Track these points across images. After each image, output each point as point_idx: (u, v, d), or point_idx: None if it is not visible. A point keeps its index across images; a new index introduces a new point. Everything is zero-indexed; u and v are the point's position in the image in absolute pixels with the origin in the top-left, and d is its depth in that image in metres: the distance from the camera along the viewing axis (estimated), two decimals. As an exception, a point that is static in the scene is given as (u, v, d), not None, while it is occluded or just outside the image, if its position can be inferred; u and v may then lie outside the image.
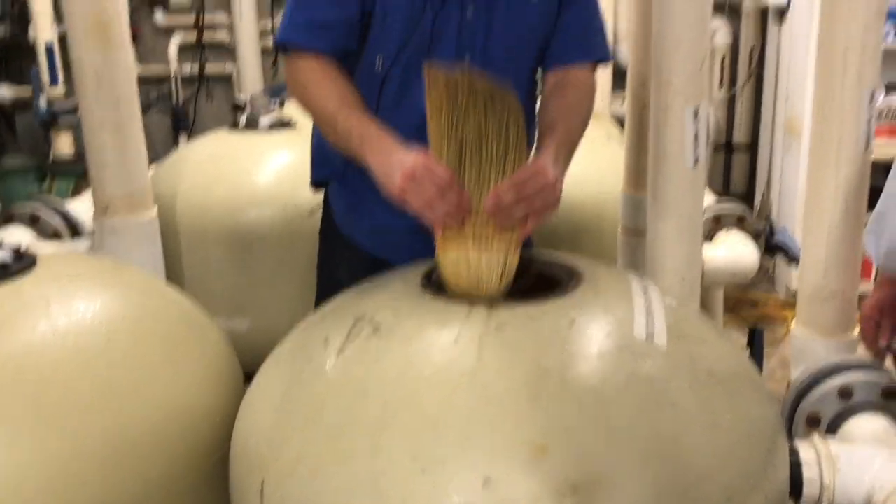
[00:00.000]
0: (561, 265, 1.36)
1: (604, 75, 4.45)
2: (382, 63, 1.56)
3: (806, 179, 1.68)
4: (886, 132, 3.57)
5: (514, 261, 1.30)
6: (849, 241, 1.60)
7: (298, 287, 2.45)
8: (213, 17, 5.41)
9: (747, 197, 5.00)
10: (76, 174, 4.66)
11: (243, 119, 2.83)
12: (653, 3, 1.69)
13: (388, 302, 1.25)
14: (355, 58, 1.57)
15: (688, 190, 1.68)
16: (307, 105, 1.55)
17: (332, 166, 1.69)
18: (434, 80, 1.27)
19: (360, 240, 1.72)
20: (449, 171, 1.27)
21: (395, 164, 1.31)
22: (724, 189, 5.24)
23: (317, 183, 1.78)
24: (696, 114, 1.65)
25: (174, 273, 2.52)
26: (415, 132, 1.49)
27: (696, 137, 1.66)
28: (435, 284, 1.30)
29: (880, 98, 3.57)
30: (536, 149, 1.44)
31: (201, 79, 5.54)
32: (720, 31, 4.94)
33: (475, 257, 1.28)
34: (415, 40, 1.53)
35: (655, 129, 1.71)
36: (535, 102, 1.71)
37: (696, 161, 1.67)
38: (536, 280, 1.34)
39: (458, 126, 1.27)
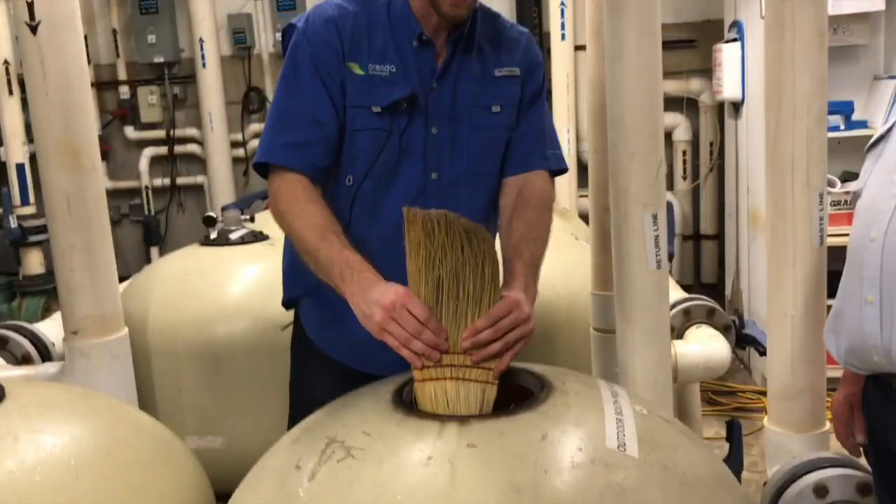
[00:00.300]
0: (531, 375, 1.37)
1: (569, 172, 4.57)
2: (353, 180, 1.60)
3: (766, 278, 1.72)
4: (846, 219, 3.67)
5: (492, 394, 1.32)
6: (812, 337, 1.63)
7: (271, 402, 2.43)
8: (184, 130, 5.52)
9: (718, 286, 5.08)
10: (46, 291, 4.64)
11: (214, 233, 2.86)
12: (607, 117, 1.76)
13: (360, 422, 1.24)
14: (329, 173, 1.61)
15: (652, 293, 1.72)
16: (288, 231, 1.57)
17: (306, 283, 1.71)
18: (412, 220, 1.30)
19: (335, 353, 1.72)
20: (427, 309, 1.30)
21: (375, 299, 1.34)
22: (694, 279, 5.32)
23: (288, 302, 1.79)
24: (654, 219, 1.70)
25: (145, 392, 2.49)
26: (386, 244, 1.52)
27: (656, 242, 1.70)
28: (407, 401, 1.31)
29: (837, 186, 3.69)
30: (505, 275, 1.47)
31: (173, 190, 5.60)
32: (680, 126, 5.12)
33: (453, 392, 1.30)
34: (383, 158, 1.58)
35: (617, 234, 1.76)
36: (496, 210, 1.75)
37: (659, 264, 1.71)
38: (508, 390, 1.35)
39: (435, 264, 1.30)
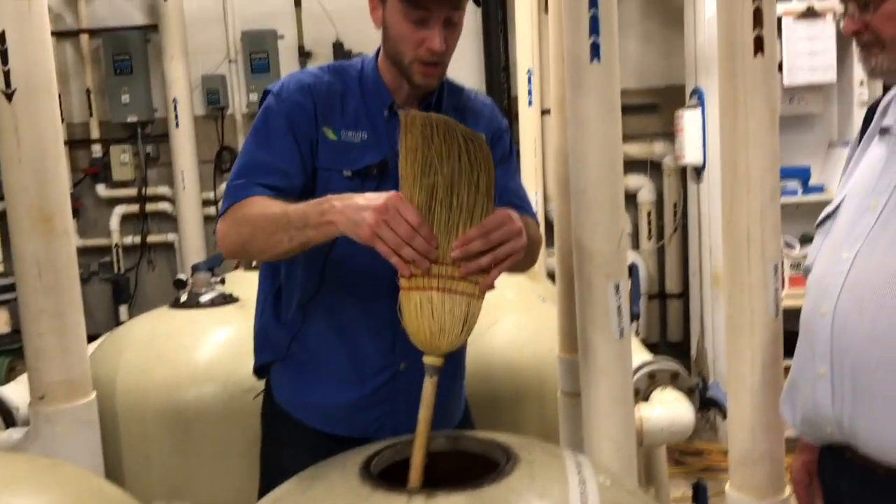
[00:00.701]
0: (497, 445, 1.39)
1: (538, 234, 4.64)
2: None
3: (725, 346, 1.77)
4: (804, 281, 3.76)
5: (476, 309, 1.30)
6: (770, 404, 1.67)
7: (240, 467, 2.41)
8: (156, 189, 5.54)
9: (684, 344, 5.15)
10: (12, 351, 4.58)
11: (184, 296, 2.86)
12: (570, 188, 1.82)
13: (328, 496, 1.26)
14: None
15: (615, 361, 1.76)
16: (248, 231, 1.51)
17: (276, 348, 1.73)
18: (410, 123, 1.28)
19: (306, 418, 1.73)
20: (419, 214, 1.28)
21: (364, 203, 1.31)
22: (661, 337, 5.38)
23: (260, 369, 1.81)
24: (617, 288, 1.75)
25: (112, 457, 2.47)
26: (362, 301, 1.55)
27: (619, 311, 1.75)
28: (375, 473, 1.32)
29: (797, 248, 3.79)
30: None
31: (143, 248, 5.59)
32: (645, 187, 5.24)
33: (438, 303, 1.28)
34: None
35: (580, 302, 1.80)
36: None
37: (622, 333, 1.76)
38: (474, 461, 1.37)
39: (431, 170, 1.28)
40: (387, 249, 1.29)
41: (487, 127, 1.75)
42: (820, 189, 3.80)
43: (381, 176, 1.62)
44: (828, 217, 1.50)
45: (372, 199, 1.32)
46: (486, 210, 1.32)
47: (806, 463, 1.59)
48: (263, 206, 1.51)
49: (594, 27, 1.68)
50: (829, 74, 3.56)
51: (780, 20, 3.60)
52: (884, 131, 1.45)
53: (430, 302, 1.29)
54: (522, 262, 1.49)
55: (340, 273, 1.65)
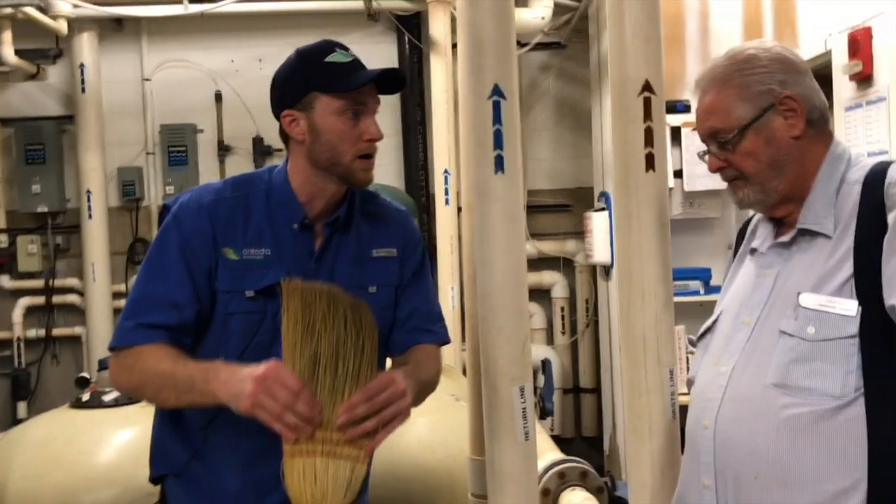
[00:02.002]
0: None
1: (453, 328, 4.69)
2: (226, 361, 1.63)
3: (625, 448, 1.82)
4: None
5: (361, 472, 1.31)
6: (669, 506, 1.72)
7: (138, 578, 2.31)
8: (65, 280, 5.39)
9: (598, 439, 5.20)
10: None
11: (86, 395, 2.78)
12: (476, 293, 1.87)
13: None
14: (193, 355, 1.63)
15: (521, 465, 1.78)
16: (138, 382, 1.54)
17: (174, 462, 1.68)
18: (292, 292, 1.32)
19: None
20: (300, 381, 1.30)
21: (246, 375, 1.33)
22: (576, 432, 5.43)
23: (156, 479, 1.76)
24: (522, 392, 1.78)
25: (-2, 569, 2.33)
26: (258, 426, 1.53)
27: (524, 414, 1.78)
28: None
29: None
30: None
31: (48, 342, 5.39)
32: (558, 284, 5.38)
33: (322, 469, 1.29)
34: (257, 339, 1.61)
35: (487, 405, 1.83)
36: None
37: (527, 436, 1.79)
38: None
39: (315, 337, 1.31)
40: (268, 417, 1.32)
41: (399, 238, 1.77)
42: (720, 289, 3.97)
43: None
44: (707, 330, 1.58)
45: (254, 368, 1.35)
46: (370, 374, 1.38)
47: None
48: (155, 359, 1.52)
49: (498, 141, 1.77)
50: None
51: (679, 130, 3.83)
52: (753, 251, 1.56)
53: (314, 467, 1.32)
54: (417, 404, 1.55)
55: None
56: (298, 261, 1.64)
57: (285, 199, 1.66)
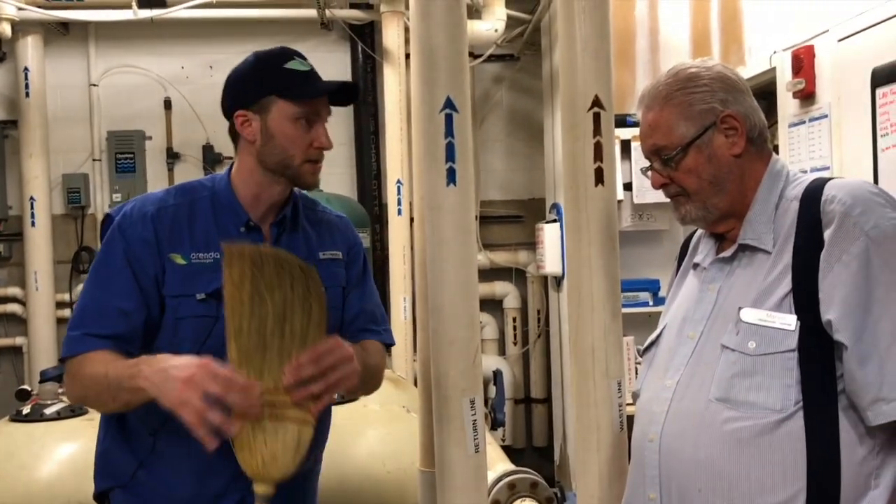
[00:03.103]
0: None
1: (404, 338, 4.68)
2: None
3: (574, 460, 1.83)
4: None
5: (308, 435, 1.32)
6: (616, 517, 1.73)
7: None
8: (6, 289, 5.24)
9: (549, 449, 5.23)
10: None
11: (27, 408, 2.70)
12: (428, 304, 1.87)
13: None
14: None
15: (471, 476, 1.78)
16: (80, 389, 1.56)
17: (119, 474, 1.65)
18: (235, 256, 1.31)
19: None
20: (229, 371, 1.30)
21: (172, 374, 1.33)
22: (527, 442, 5.45)
23: (100, 495, 1.72)
24: (472, 404, 1.79)
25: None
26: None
27: (474, 426, 1.78)
28: None
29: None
30: None
31: (-13, 352, 5.25)
32: (510, 294, 5.41)
33: (271, 431, 1.29)
34: (209, 344, 1.59)
35: (438, 417, 1.83)
36: None
37: (477, 448, 1.79)
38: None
39: (262, 300, 1.30)
40: (195, 420, 1.31)
41: (343, 242, 1.81)
42: (669, 300, 4.05)
43: None
44: (652, 344, 1.60)
45: (182, 366, 1.35)
46: (318, 337, 1.38)
47: None
48: (93, 364, 1.52)
49: (450, 154, 1.77)
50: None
51: (629, 143, 3.88)
52: (696, 266, 1.58)
53: (263, 430, 1.31)
54: (361, 388, 1.55)
55: None
56: None
57: (229, 203, 1.68)
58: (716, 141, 1.47)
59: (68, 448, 2.53)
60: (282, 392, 1.33)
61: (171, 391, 1.33)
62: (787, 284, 1.38)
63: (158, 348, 1.60)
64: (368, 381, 1.69)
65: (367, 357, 1.70)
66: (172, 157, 5.31)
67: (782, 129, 3.05)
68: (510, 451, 4.15)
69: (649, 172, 1.55)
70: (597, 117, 1.74)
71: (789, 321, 1.35)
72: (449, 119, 1.74)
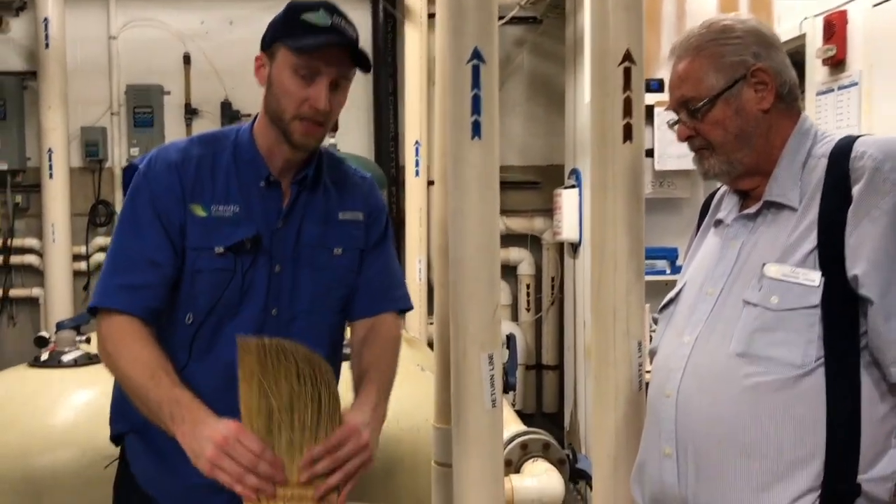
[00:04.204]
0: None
1: (418, 300, 4.69)
2: (193, 318, 1.60)
3: (592, 416, 1.83)
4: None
5: None
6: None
7: (94, 539, 2.28)
8: (24, 240, 5.27)
9: (559, 415, 5.25)
10: None
11: (45, 355, 2.72)
12: (449, 258, 1.86)
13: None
14: (165, 313, 1.60)
15: (487, 431, 1.78)
16: (116, 372, 1.55)
17: (133, 419, 1.65)
18: (245, 349, 1.31)
19: (161, 497, 1.65)
20: (260, 442, 1.29)
21: (206, 435, 1.32)
22: (537, 408, 5.47)
23: (116, 437, 1.73)
24: (490, 359, 1.78)
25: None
26: (223, 382, 1.51)
27: (492, 381, 1.78)
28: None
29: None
30: (355, 399, 1.50)
31: (4, 303, 5.28)
32: (525, 261, 5.39)
33: None
34: (226, 297, 1.59)
35: (455, 371, 1.82)
36: (339, 345, 1.80)
37: (494, 403, 1.79)
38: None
39: (268, 393, 1.30)
40: (229, 480, 1.30)
41: (365, 204, 1.76)
42: (686, 269, 4.02)
43: (255, 250, 1.60)
44: (670, 302, 1.59)
45: (214, 429, 1.33)
46: (331, 426, 1.35)
47: None
48: (132, 361, 1.49)
49: (476, 107, 1.75)
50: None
51: (652, 109, 3.83)
52: (718, 223, 1.56)
53: None
54: (385, 400, 1.57)
55: (207, 351, 1.61)
56: (267, 219, 1.62)
57: (250, 156, 1.64)
58: (745, 94, 1.45)
59: (85, 394, 2.55)
60: (295, 486, 1.32)
61: (202, 455, 1.32)
62: (812, 240, 1.37)
63: (178, 300, 1.59)
64: (389, 392, 1.65)
65: (383, 376, 1.65)
66: (191, 112, 5.29)
67: (810, 97, 3.00)
68: (520, 416, 4.16)
69: (675, 126, 1.53)
70: (627, 72, 1.72)
71: (813, 277, 1.34)
72: (476, 70, 1.72)
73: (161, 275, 1.56)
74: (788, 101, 1.48)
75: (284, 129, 1.59)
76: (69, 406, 2.52)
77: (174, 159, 1.61)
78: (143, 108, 5.22)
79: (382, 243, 1.78)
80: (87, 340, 2.84)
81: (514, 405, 4.94)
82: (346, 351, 1.81)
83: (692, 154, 1.55)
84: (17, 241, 5.26)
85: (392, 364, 1.70)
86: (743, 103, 1.45)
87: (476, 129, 1.77)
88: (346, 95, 1.63)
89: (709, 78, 1.45)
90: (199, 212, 1.59)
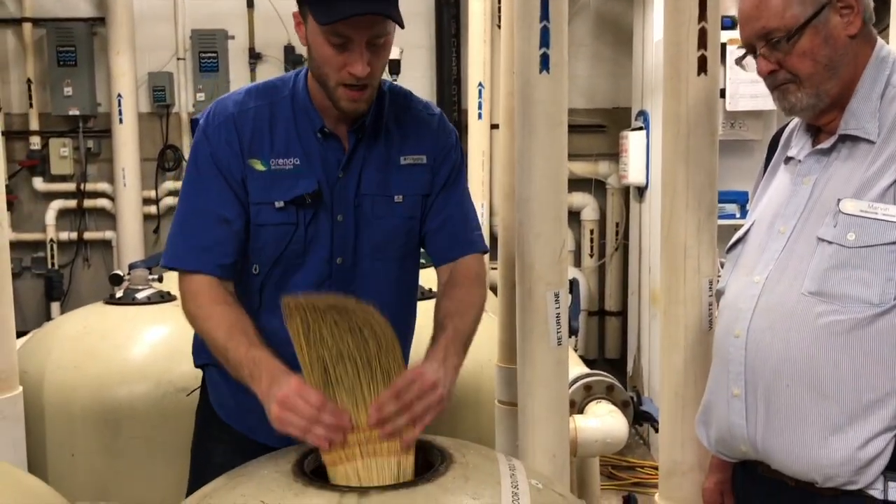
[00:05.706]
0: (433, 447, 1.40)
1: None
2: (260, 269, 1.62)
3: (660, 358, 1.81)
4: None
5: (408, 463, 1.33)
6: (701, 416, 1.71)
7: (169, 468, 2.37)
8: (96, 185, 5.41)
9: (621, 361, 5.22)
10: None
11: (120, 292, 2.80)
12: (515, 198, 1.84)
13: (259, 492, 1.24)
14: (241, 263, 1.62)
15: (553, 369, 1.78)
16: (199, 331, 1.59)
17: (212, 355, 1.69)
18: (290, 309, 1.32)
19: (238, 426, 1.70)
20: (319, 394, 1.31)
21: (272, 395, 1.34)
22: (599, 353, 5.46)
23: (199, 366, 1.78)
24: (556, 297, 1.77)
25: (36, 453, 2.40)
26: None
27: (558, 319, 1.77)
28: (307, 471, 1.31)
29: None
30: (428, 349, 1.49)
31: (79, 245, 5.46)
32: (588, 206, 5.32)
33: (364, 470, 1.31)
34: (290, 248, 1.60)
35: (521, 310, 1.82)
36: (409, 289, 1.78)
37: (560, 341, 1.78)
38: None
39: (317, 347, 1.31)
40: (297, 433, 1.32)
41: (433, 144, 1.68)
42: (756, 213, 3.91)
43: (315, 204, 1.59)
44: (738, 241, 1.54)
45: (280, 387, 1.34)
46: (392, 370, 1.34)
47: (718, 483, 1.62)
48: (213, 322, 1.52)
49: (545, 39, 1.71)
50: (769, 102, 3.62)
51: (724, 47, 3.70)
52: (788, 160, 1.50)
53: (357, 471, 1.32)
54: (466, 348, 1.53)
55: (276, 297, 1.61)
56: (327, 169, 1.60)
57: (304, 107, 1.61)
58: (832, 21, 1.38)
59: (159, 331, 2.62)
60: (366, 430, 1.33)
61: (271, 414, 1.34)
62: (891, 174, 1.31)
63: (246, 253, 1.61)
64: (470, 340, 1.61)
65: (464, 323, 1.59)
66: (255, 57, 5.31)
67: (894, 34, 2.85)
68: (583, 362, 4.16)
69: (745, 62, 1.46)
70: (702, 2, 1.65)
71: (893, 212, 1.29)
72: (545, 1, 1.67)
73: (230, 230, 1.57)
74: (868, 27, 1.41)
75: (331, 96, 1.54)
76: (144, 342, 2.60)
77: (231, 112, 1.59)
78: (208, 52, 5.26)
79: (455, 182, 1.71)
80: (160, 279, 2.92)
81: (576, 350, 4.94)
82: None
83: (770, 92, 1.48)
84: (89, 186, 5.40)
85: (471, 308, 1.64)
86: (831, 30, 1.38)
87: (545, 63, 1.74)
88: (389, 49, 1.55)
89: (792, 7, 1.38)
90: (258, 166, 1.58)
